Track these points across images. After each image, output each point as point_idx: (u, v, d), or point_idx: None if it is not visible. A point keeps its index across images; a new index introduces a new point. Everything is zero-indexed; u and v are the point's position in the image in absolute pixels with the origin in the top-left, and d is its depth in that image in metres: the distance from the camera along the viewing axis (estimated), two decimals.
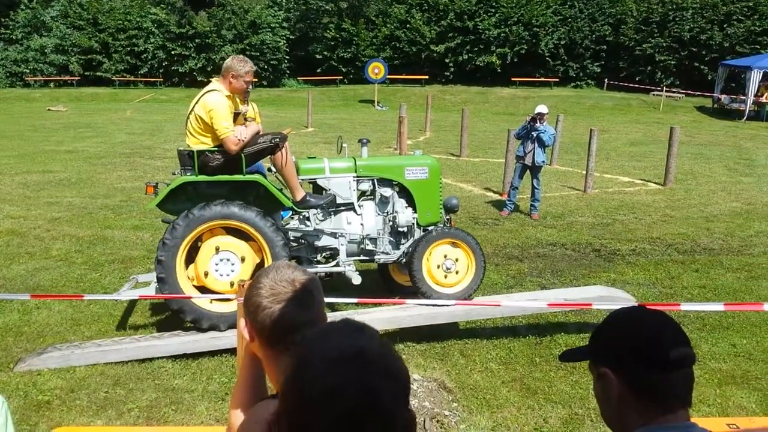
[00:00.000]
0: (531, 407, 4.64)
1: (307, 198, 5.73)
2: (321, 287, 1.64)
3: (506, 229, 9.54)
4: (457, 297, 5.86)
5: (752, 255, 8.50)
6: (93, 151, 15.77)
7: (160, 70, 34.12)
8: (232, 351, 5.26)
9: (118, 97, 30.64)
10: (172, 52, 33.38)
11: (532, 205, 10.22)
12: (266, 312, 1.54)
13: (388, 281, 6.64)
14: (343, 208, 6.02)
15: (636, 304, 1.62)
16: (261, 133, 5.66)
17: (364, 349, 1.02)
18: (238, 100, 6.24)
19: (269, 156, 5.60)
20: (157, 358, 5.24)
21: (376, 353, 1.02)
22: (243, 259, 5.38)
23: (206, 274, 5.34)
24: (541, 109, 10.03)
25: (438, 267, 5.92)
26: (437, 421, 4.38)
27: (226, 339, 5.31)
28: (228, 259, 5.38)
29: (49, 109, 25.83)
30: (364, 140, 6.38)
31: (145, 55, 33.75)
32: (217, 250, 5.36)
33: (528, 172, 10.19)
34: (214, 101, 5.23)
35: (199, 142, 5.35)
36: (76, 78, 33.40)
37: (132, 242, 8.51)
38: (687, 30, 32.21)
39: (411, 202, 6.14)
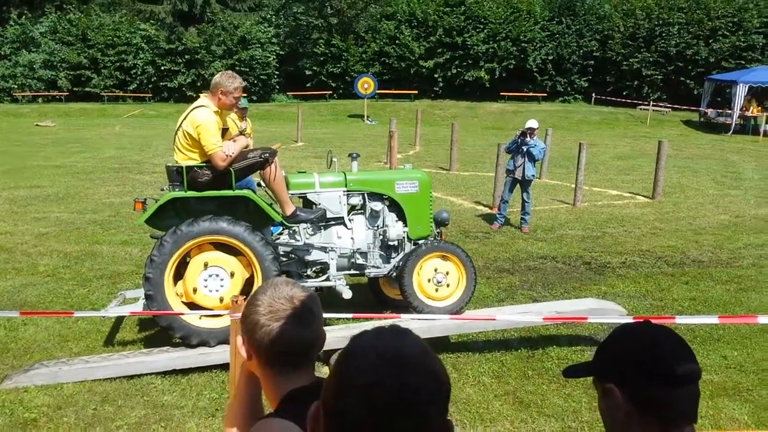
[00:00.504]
0: (524, 421, 4.61)
1: (297, 212, 5.70)
2: (320, 304, 1.61)
3: (497, 242, 9.54)
4: (448, 310, 5.85)
5: (741, 267, 8.54)
6: (81, 167, 15.69)
7: (149, 86, 34.10)
8: (222, 367, 5.21)
9: (107, 113, 30.57)
10: (162, 68, 33.39)
11: (522, 219, 10.24)
12: (264, 330, 1.51)
13: (378, 295, 6.61)
14: (333, 222, 6.00)
15: (640, 320, 1.59)
16: (250, 147, 5.63)
17: (406, 350, 1.08)
18: (235, 116, 6.19)
19: (259, 171, 5.57)
20: (146, 374, 5.17)
21: (416, 354, 1.08)
22: (232, 275, 5.34)
23: (195, 290, 5.29)
24: (532, 123, 10.08)
25: (429, 281, 5.90)
26: None
27: (216, 355, 5.26)
28: (217, 275, 5.33)
29: (37, 125, 25.72)
30: (354, 155, 6.38)
31: (134, 71, 33.74)
32: (206, 265, 5.31)
33: (518, 186, 10.22)
34: (202, 117, 5.20)
35: (188, 158, 5.31)
36: (65, 93, 33.33)
37: (120, 257, 8.44)
38: (673, 45, 32.58)
39: (401, 216, 6.13)
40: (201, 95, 5.56)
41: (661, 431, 1.39)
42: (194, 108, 5.32)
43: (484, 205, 12.05)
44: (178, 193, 5.31)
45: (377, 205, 6.05)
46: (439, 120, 29.30)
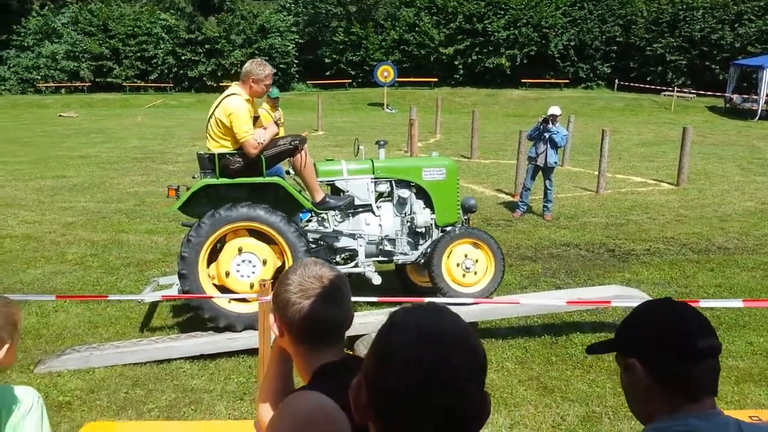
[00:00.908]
0: (548, 405, 4.63)
1: (327, 199, 5.76)
2: (348, 283, 1.66)
3: (519, 230, 9.53)
4: (475, 297, 5.87)
5: (767, 254, 8.45)
6: (105, 157, 15.88)
7: (170, 76, 34.35)
8: (248, 352, 5.29)
9: (129, 103, 30.86)
10: (182, 58, 33.60)
11: (544, 206, 10.20)
12: (295, 308, 1.57)
13: (405, 282, 6.65)
14: (361, 209, 6.05)
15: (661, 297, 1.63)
16: (280, 135, 5.69)
17: (445, 326, 1.10)
18: (268, 106, 6.21)
19: (288, 158, 5.63)
20: (175, 359, 5.26)
21: (455, 331, 1.10)
22: (264, 262, 5.42)
23: (227, 274, 5.39)
24: (554, 110, 10.02)
25: (458, 266, 5.94)
26: None
27: (243, 340, 5.34)
28: (250, 261, 5.42)
29: (60, 115, 26.04)
30: (382, 142, 6.42)
31: (155, 61, 34.00)
32: (240, 251, 5.40)
33: (540, 173, 10.18)
34: (234, 105, 5.27)
35: (220, 146, 5.39)
36: (87, 84, 33.69)
37: (147, 246, 8.56)
38: (698, 30, 32.09)
39: (429, 203, 6.16)
40: (233, 84, 5.61)
41: (682, 403, 1.42)
42: (226, 96, 5.39)
43: (506, 193, 12.02)
44: (211, 180, 5.38)
45: (404, 192, 6.08)
46: (459, 108, 29.19)
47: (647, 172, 14.37)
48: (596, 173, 12.31)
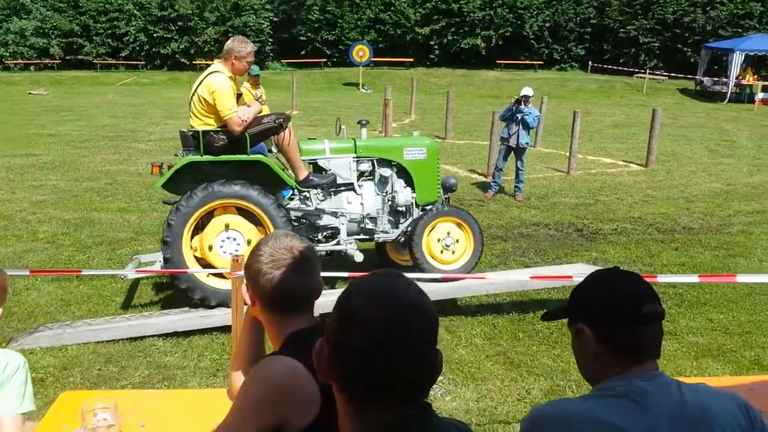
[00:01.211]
0: (514, 379, 4.78)
1: (310, 177, 5.85)
2: (317, 255, 1.75)
3: (491, 210, 9.67)
4: (455, 273, 6.00)
5: (730, 234, 8.69)
6: (76, 135, 15.68)
7: (142, 53, 33.81)
8: (222, 329, 5.35)
9: (100, 81, 30.36)
10: (154, 35, 33.06)
11: (516, 187, 10.34)
12: (267, 277, 1.65)
13: (385, 260, 6.76)
14: (343, 188, 6.14)
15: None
16: (265, 113, 5.74)
17: (399, 288, 1.19)
18: (249, 84, 6.23)
19: (273, 136, 5.68)
20: (148, 336, 5.31)
21: (408, 293, 1.19)
22: (249, 242, 5.47)
23: (210, 248, 5.45)
24: (527, 91, 10.13)
25: (438, 242, 6.07)
26: None
27: (216, 317, 5.40)
28: (234, 239, 5.48)
29: (30, 93, 25.56)
30: (364, 122, 6.50)
31: (126, 38, 33.41)
32: (227, 227, 5.46)
33: (512, 153, 10.30)
34: (217, 83, 5.29)
35: (203, 123, 5.42)
36: (57, 61, 33.05)
37: (119, 224, 8.54)
38: (670, 12, 32.40)
39: (410, 182, 6.26)
40: (215, 61, 5.63)
41: (628, 365, 1.53)
42: (209, 74, 5.40)
43: (479, 173, 12.14)
44: (195, 157, 5.42)
45: (386, 172, 6.17)
46: (434, 88, 29.22)
47: (617, 153, 14.60)
48: (567, 154, 12.48)
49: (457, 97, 18.80)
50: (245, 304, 1.77)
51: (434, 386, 4.61)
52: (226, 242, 5.46)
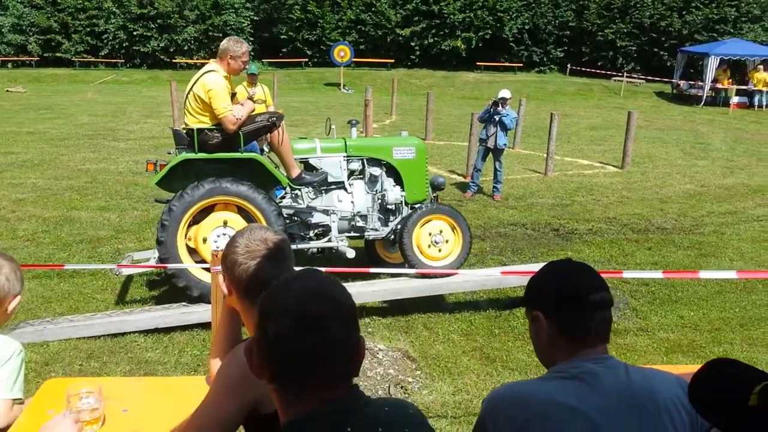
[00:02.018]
0: (489, 374, 4.90)
1: (303, 175, 5.95)
2: (290, 246, 1.85)
3: (469, 210, 9.80)
4: (444, 269, 6.13)
5: (703, 234, 8.90)
6: (55, 133, 15.58)
7: (121, 51, 33.54)
8: (203, 326, 5.42)
9: (79, 78, 30.10)
10: (134, 33, 32.82)
11: (494, 187, 10.50)
12: (242, 267, 1.75)
13: (374, 257, 6.87)
14: (334, 186, 6.25)
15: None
16: (264, 112, 5.83)
17: (309, 282, 1.29)
18: (246, 82, 6.34)
19: (266, 135, 5.77)
20: (130, 332, 5.36)
21: (318, 285, 1.29)
22: (225, 223, 5.55)
23: (204, 240, 5.51)
24: (504, 93, 10.29)
25: (428, 236, 6.19)
26: (401, 387, 4.61)
27: (198, 314, 5.46)
28: (230, 236, 5.51)
29: (8, 90, 25.28)
30: (353, 121, 6.64)
31: (105, 36, 33.12)
32: (225, 224, 5.54)
33: (490, 154, 10.45)
34: (212, 81, 5.37)
35: (198, 121, 5.50)
36: (35, 59, 32.67)
37: (99, 223, 8.54)
38: (647, 16, 32.83)
39: (399, 181, 6.39)
40: (210, 61, 5.70)
41: (579, 349, 1.65)
42: (205, 72, 5.49)
43: (458, 174, 12.28)
44: (190, 155, 5.49)
45: (376, 170, 6.30)
46: (415, 89, 29.35)
47: (594, 155, 14.82)
48: (545, 156, 12.67)
49: (437, 99, 18.95)
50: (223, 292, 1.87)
51: (411, 381, 4.73)
52: (221, 238, 5.53)
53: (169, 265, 5.49)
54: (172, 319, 5.46)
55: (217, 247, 5.50)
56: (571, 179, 12.12)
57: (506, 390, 1.69)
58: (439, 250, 6.24)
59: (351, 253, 6.08)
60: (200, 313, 5.42)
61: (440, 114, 19.73)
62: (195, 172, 5.57)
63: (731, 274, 5.85)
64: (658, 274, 6.03)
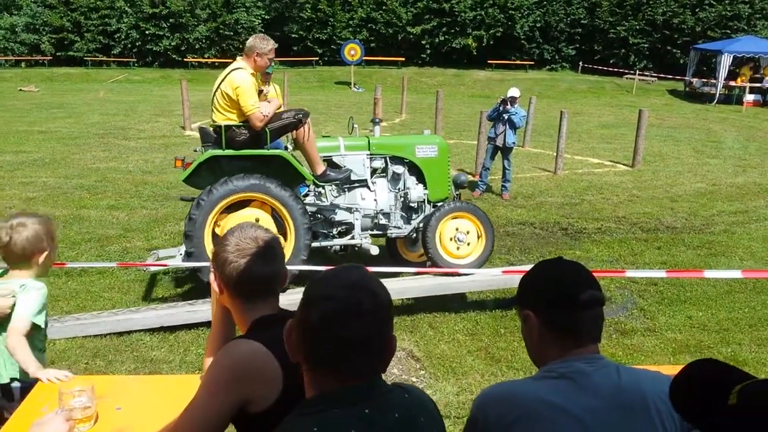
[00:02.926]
0: (494, 374, 4.88)
1: (327, 172, 5.98)
2: (281, 244, 1.84)
3: None
4: (468, 268, 6.13)
5: (713, 233, 8.82)
6: (66, 132, 15.69)
7: (134, 50, 33.74)
8: (208, 324, 5.42)
9: (91, 77, 30.31)
10: (146, 32, 33.02)
11: (503, 186, 10.46)
12: (233, 266, 1.74)
13: (395, 256, 6.89)
14: (357, 184, 6.27)
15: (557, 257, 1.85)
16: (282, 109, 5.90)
17: (352, 274, 1.38)
18: (260, 80, 6.38)
19: (292, 131, 5.81)
20: (135, 331, 5.38)
21: (359, 277, 1.37)
22: (257, 220, 5.57)
23: None
24: (513, 92, 10.25)
25: (451, 240, 6.18)
26: None
27: (203, 312, 5.47)
28: None
29: (20, 90, 25.51)
30: (377, 120, 6.71)
31: (117, 35, 33.34)
32: (257, 221, 5.54)
33: (499, 153, 10.41)
34: (240, 79, 5.42)
35: (226, 118, 5.55)
36: (48, 58, 32.94)
37: (108, 222, 8.59)
38: (660, 13, 32.63)
39: (421, 179, 6.39)
40: (237, 58, 5.74)
41: (569, 348, 1.63)
42: (232, 70, 5.53)
43: (467, 173, 12.23)
44: (217, 151, 5.54)
45: (399, 168, 6.30)
46: (426, 87, 29.32)
47: (605, 153, 14.74)
48: (555, 154, 12.60)
49: (448, 97, 18.91)
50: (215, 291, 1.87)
51: (416, 380, 4.72)
52: None
53: (192, 264, 5.54)
54: (178, 317, 5.48)
55: None
56: (581, 178, 12.05)
57: (496, 389, 1.68)
58: (468, 244, 6.23)
59: (375, 250, 6.12)
60: (206, 311, 5.42)
61: (450, 112, 19.69)
62: (221, 169, 5.62)
63: (736, 274, 5.78)
64: (661, 273, 5.98)
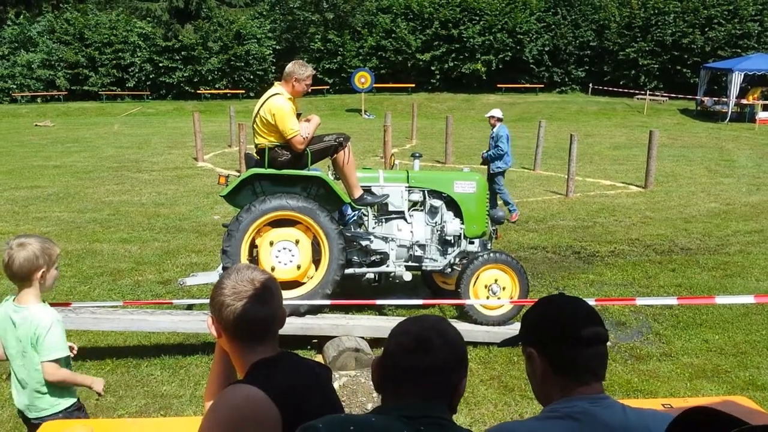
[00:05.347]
0: (507, 403, 4.81)
1: (365, 196, 6.03)
2: (279, 285, 1.82)
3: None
4: (501, 320, 6.09)
5: (728, 254, 8.71)
6: (80, 166, 15.87)
7: (147, 83, 34.23)
8: None
9: (105, 111, 30.73)
10: (159, 65, 33.52)
11: (508, 210, 10.42)
12: (230, 309, 1.72)
13: (431, 285, 6.96)
14: (394, 215, 6.30)
15: (557, 293, 1.83)
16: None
17: (431, 318, 1.61)
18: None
19: (332, 155, 5.90)
20: (146, 366, 5.37)
21: (436, 320, 1.60)
22: (297, 242, 5.67)
23: (273, 269, 5.57)
24: (495, 112, 10.52)
25: (485, 287, 6.09)
26: None
27: None
28: (285, 248, 5.66)
29: (36, 125, 25.90)
30: (417, 154, 6.81)
31: (131, 69, 33.87)
32: (272, 244, 5.64)
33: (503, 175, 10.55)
34: (278, 104, 5.52)
35: (267, 141, 5.66)
36: (63, 93, 33.47)
37: (120, 255, 8.63)
38: (669, 34, 32.67)
39: (458, 214, 6.39)
40: (275, 84, 5.85)
41: (573, 387, 1.59)
42: (270, 95, 5.65)
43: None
44: (260, 170, 5.67)
45: (436, 202, 6.32)
46: (436, 113, 29.44)
47: (617, 175, 14.67)
48: (566, 177, 12.56)
49: (458, 122, 18.97)
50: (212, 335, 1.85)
51: None
52: (280, 255, 5.66)
53: (176, 301, 5.56)
54: (192, 325, 5.53)
55: (284, 265, 5.64)
56: (593, 200, 11.99)
57: (499, 429, 1.64)
58: (487, 297, 6.08)
59: (408, 276, 6.15)
60: None
61: (461, 137, 19.73)
62: (262, 189, 5.72)
63: (748, 299, 5.67)
64: (672, 300, 5.89)
